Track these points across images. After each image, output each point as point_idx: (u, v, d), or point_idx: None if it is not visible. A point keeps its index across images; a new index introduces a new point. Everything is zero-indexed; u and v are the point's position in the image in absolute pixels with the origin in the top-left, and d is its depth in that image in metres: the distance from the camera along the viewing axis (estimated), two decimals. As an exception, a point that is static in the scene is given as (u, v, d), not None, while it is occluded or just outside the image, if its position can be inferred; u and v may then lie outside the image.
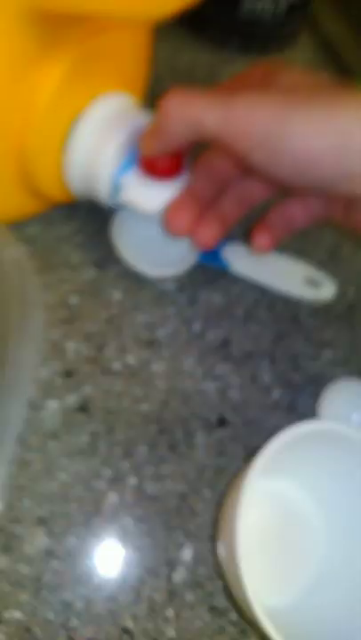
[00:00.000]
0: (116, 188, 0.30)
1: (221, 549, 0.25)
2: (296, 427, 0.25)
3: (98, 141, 0.29)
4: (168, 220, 0.29)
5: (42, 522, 0.26)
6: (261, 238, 0.30)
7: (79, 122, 0.29)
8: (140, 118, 0.30)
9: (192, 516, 0.28)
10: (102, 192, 0.30)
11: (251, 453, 0.30)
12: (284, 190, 0.32)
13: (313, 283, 0.36)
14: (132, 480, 0.28)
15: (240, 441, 0.30)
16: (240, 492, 0.23)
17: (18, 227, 0.34)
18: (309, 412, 0.32)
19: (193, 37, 0.46)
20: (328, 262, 0.37)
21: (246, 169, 0.30)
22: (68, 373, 0.30)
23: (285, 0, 0.41)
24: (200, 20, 0.45)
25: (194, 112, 0.24)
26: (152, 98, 0.29)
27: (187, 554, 0.27)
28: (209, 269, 0.35)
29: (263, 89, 0.24)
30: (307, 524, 0.28)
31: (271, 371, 0.33)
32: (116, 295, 0.33)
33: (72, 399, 0.30)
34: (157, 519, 0.28)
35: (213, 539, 0.27)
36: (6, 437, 0.19)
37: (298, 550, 0.28)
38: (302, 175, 0.24)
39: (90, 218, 0.35)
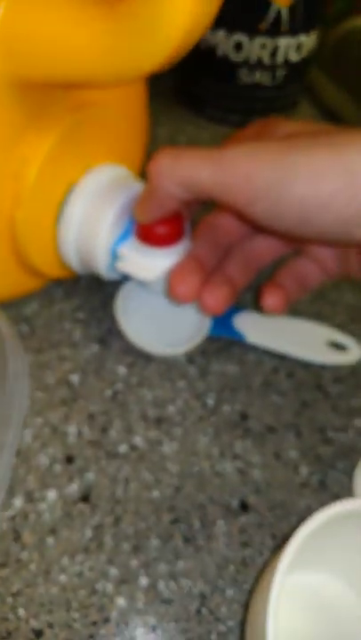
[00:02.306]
0: (113, 258, 0.29)
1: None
2: (330, 508, 0.22)
3: (93, 213, 0.28)
4: (173, 287, 0.27)
5: (38, 636, 0.23)
6: (272, 297, 0.28)
7: (72, 194, 0.28)
8: (136, 187, 0.29)
9: (215, 623, 0.24)
10: (100, 264, 0.29)
11: (280, 542, 0.27)
12: (293, 249, 0.30)
13: (337, 346, 0.33)
14: (144, 580, 0.25)
15: (267, 528, 0.27)
16: (268, 593, 0.20)
17: (15, 305, 0.33)
18: (344, 491, 0.28)
19: (193, 116, 0.47)
20: (350, 323, 0.35)
21: (248, 223, 0.28)
22: (69, 459, 0.28)
23: (282, 70, 0.42)
24: (198, 99, 0.46)
25: (186, 169, 0.23)
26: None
27: (210, 671, 0.23)
28: (219, 338, 0.33)
29: (259, 139, 0.24)
30: (352, 627, 0.24)
31: (297, 445, 0.30)
32: (121, 370, 0.31)
33: (73, 488, 0.27)
34: (175, 628, 0.24)
35: (241, 650, 0.23)
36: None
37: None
38: (310, 223, 0.22)
39: (91, 293, 0.34)
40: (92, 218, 0.28)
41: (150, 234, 0.28)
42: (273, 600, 0.19)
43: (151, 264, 0.29)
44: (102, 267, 0.29)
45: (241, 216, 0.24)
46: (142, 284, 0.31)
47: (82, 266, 0.30)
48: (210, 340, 0.33)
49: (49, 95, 0.26)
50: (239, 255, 0.30)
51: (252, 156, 0.22)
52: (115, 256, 0.29)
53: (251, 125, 0.28)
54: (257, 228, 0.28)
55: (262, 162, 0.22)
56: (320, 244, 0.28)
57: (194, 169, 0.23)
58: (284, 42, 0.40)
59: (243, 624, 0.24)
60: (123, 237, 0.29)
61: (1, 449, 0.16)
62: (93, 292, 0.34)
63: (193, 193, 0.24)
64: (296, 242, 0.29)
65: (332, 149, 0.21)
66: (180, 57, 0.22)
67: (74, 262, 0.30)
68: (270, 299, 0.28)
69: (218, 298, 0.27)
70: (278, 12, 0.38)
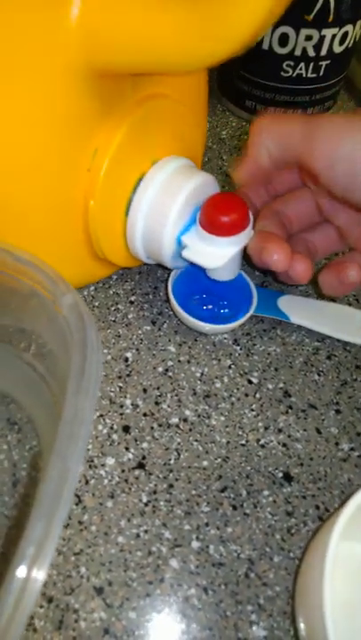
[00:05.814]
0: (179, 247, 0.27)
1: (303, 628, 0.20)
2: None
3: (160, 203, 0.26)
4: (268, 255, 0.25)
5: (99, 593, 0.22)
6: (354, 270, 0.26)
7: (140, 185, 0.26)
8: (199, 178, 0.27)
9: (263, 587, 0.23)
10: (166, 253, 0.27)
11: (323, 513, 0.25)
12: (347, 245, 0.29)
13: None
14: (195, 544, 0.24)
15: (310, 499, 0.25)
16: (324, 561, 0.18)
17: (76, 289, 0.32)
18: (384, 466, 0.27)
19: (235, 109, 0.45)
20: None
21: (325, 191, 0.26)
22: (126, 429, 0.27)
23: (326, 61, 0.39)
24: (241, 92, 0.43)
25: (283, 129, 0.24)
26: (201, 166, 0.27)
27: (259, 633, 0.22)
28: (263, 319, 0.31)
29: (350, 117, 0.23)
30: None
31: (337, 422, 0.28)
32: (171, 349, 0.30)
33: (129, 456, 0.26)
34: (225, 590, 0.23)
35: (288, 614, 0.22)
36: (65, 492, 0.15)
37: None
38: None
39: (142, 278, 0.33)
40: (159, 208, 0.26)
41: (214, 223, 0.26)
42: (329, 563, 0.18)
43: (216, 252, 0.26)
44: (168, 255, 0.27)
45: (320, 183, 0.23)
46: (198, 270, 0.29)
47: (148, 255, 0.28)
48: (255, 321, 0.31)
49: (119, 89, 0.24)
50: (299, 243, 0.28)
51: (341, 126, 0.22)
52: (180, 245, 0.27)
53: None
54: (333, 196, 0.26)
55: (348, 131, 0.21)
56: None
57: (289, 130, 0.23)
58: (329, 33, 0.37)
59: (290, 590, 0.23)
60: (188, 226, 0.27)
61: (82, 421, 0.15)
62: (145, 278, 0.33)
63: (284, 152, 0.24)
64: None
65: None
66: (255, 42, 0.20)
67: (140, 252, 0.28)
68: (352, 270, 0.26)
69: (308, 266, 0.26)
70: (326, 1, 0.34)
